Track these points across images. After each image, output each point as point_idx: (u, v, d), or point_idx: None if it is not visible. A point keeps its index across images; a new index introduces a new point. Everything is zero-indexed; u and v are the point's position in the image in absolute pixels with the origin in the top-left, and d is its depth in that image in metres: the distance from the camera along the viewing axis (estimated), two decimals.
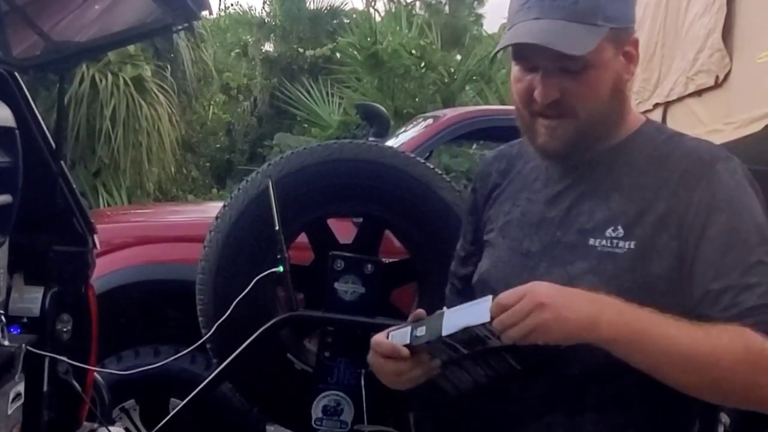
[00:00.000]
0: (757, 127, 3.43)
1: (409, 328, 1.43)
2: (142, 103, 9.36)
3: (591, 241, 1.42)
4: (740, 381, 1.32)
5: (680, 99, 4.38)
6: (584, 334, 1.30)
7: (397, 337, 1.43)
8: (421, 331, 1.40)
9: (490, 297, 1.32)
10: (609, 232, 1.42)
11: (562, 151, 1.46)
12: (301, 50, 14.67)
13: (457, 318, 1.35)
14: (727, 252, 1.36)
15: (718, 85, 3.88)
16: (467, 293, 1.62)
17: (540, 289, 1.31)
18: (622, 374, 1.37)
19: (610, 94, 1.43)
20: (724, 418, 3.97)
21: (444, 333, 1.35)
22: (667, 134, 1.51)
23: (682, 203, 1.39)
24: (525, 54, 1.42)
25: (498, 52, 1.47)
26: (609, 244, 1.41)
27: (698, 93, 4.11)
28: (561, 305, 1.29)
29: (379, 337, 1.49)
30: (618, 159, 1.47)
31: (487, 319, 1.31)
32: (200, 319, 2.85)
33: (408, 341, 1.42)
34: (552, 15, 1.38)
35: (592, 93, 1.41)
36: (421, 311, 1.50)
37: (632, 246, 1.40)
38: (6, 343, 2.14)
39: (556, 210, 1.49)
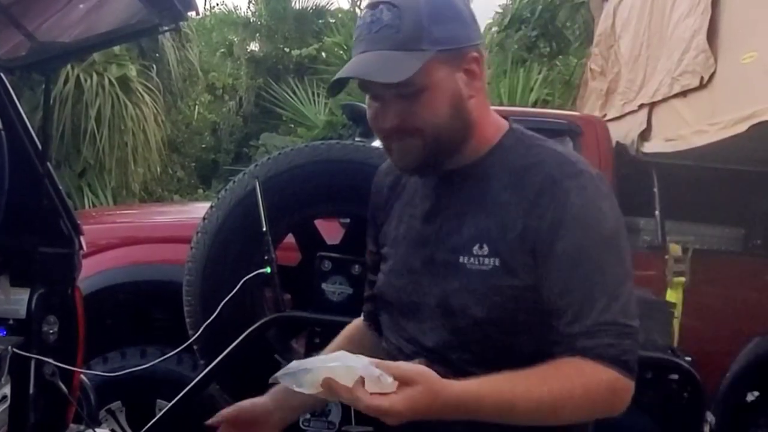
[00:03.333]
0: (741, 128, 3.45)
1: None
2: (128, 103, 9.32)
3: (461, 259, 1.48)
4: (583, 414, 1.43)
5: (665, 99, 4.40)
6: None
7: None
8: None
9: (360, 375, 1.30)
10: (476, 249, 1.47)
11: (413, 166, 1.52)
12: (286, 50, 14.65)
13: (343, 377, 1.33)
14: (572, 269, 1.42)
15: (703, 85, 3.90)
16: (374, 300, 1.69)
17: (399, 411, 1.31)
18: None
19: (451, 112, 1.48)
20: (710, 417, 3.99)
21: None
22: (528, 144, 1.55)
23: (536, 221, 1.44)
24: (364, 85, 1.49)
25: (333, 85, 1.54)
26: (477, 262, 1.47)
27: (683, 94, 4.14)
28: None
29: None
30: (481, 174, 1.53)
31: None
32: (187, 320, 2.84)
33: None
34: (376, 46, 1.45)
35: (430, 113, 1.47)
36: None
37: (497, 263, 1.46)
38: None
39: (431, 227, 1.55)
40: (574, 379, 1.38)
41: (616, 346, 1.40)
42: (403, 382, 1.31)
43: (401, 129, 1.48)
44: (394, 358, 1.52)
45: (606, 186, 1.50)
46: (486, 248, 1.46)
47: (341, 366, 1.32)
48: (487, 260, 1.46)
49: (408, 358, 1.50)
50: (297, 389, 1.35)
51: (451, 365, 1.45)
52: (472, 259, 1.47)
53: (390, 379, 1.30)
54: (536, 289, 1.45)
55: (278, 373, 1.37)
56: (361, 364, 1.31)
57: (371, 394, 1.29)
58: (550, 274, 1.43)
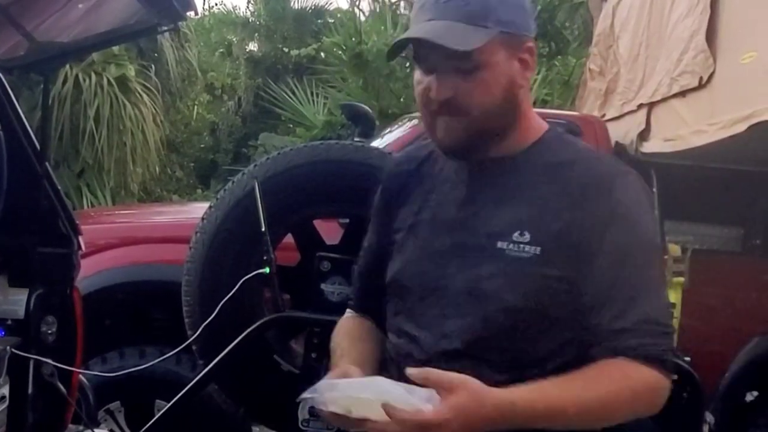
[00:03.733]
0: (740, 128, 3.45)
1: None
2: (126, 103, 9.31)
3: (499, 244, 1.48)
4: (628, 416, 1.44)
5: (664, 99, 4.40)
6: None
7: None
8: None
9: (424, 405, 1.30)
10: (516, 236, 1.48)
11: (458, 147, 1.52)
12: (285, 50, 14.63)
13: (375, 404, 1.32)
14: (619, 265, 1.45)
15: (702, 85, 3.90)
16: (376, 294, 1.66)
17: (451, 424, 1.32)
18: None
19: (503, 96, 1.50)
20: (709, 417, 3.99)
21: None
22: (568, 143, 1.59)
23: (582, 215, 1.46)
24: (421, 55, 1.50)
25: (393, 49, 1.57)
26: (516, 249, 1.47)
27: (682, 94, 4.14)
28: None
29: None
30: (522, 166, 1.54)
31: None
32: (186, 320, 2.84)
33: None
34: (443, 16, 1.47)
35: (483, 92, 1.48)
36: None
37: (537, 251, 1.46)
38: None
39: (464, 212, 1.54)
40: (621, 383, 1.41)
41: (659, 346, 1.43)
42: (447, 389, 1.31)
43: (452, 104, 1.49)
44: (401, 351, 1.52)
45: (647, 188, 1.54)
46: (527, 235, 1.47)
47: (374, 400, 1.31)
48: (527, 247, 1.46)
49: (419, 347, 1.50)
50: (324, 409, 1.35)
51: (467, 353, 1.45)
52: (511, 245, 1.47)
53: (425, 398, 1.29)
54: (572, 282, 1.45)
55: (306, 394, 1.38)
56: (397, 391, 1.30)
57: (415, 411, 1.29)
58: (597, 269, 1.45)
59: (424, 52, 1.49)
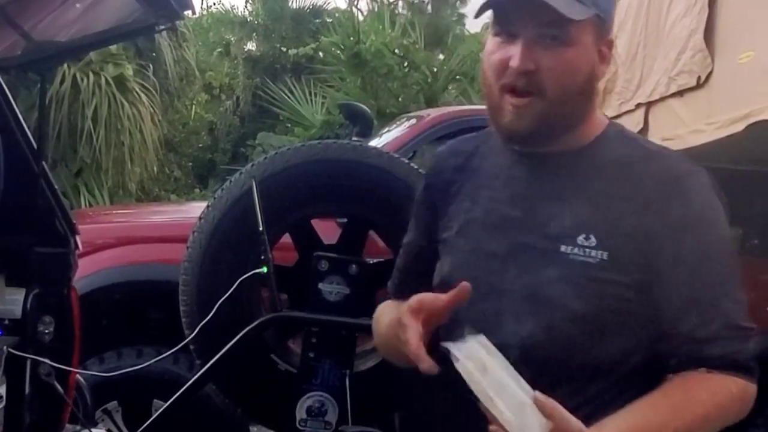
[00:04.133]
0: (738, 128, 3.45)
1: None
2: (124, 102, 9.32)
3: (562, 248, 1.39)
4: (719, 428, 1.38)
5: (662, 99, 4.40)
6: None
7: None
8: (462, 359, 1.31)
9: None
10: (581, 239, 1.39)
11: (525, 133, 1.42)
12: (283, 49, 14.63)
13: (500, 389, 1.26)
14: (698, 271, 1.38)
15: (699, 85, 3.89)
16: (415, 291, 1.54)
17: None
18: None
19: (583, 81, 1.41)
20: None
21: (474, 387, 1.28)
22: (631, 139, 1.50)
23: (654, 219, 1.38)
24: (510, 18, 1.39)
25: (483, 8, 1.43)
26: (582, 253, 1.39)
27: (680, 93, 4.13)
28: None
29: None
30: (583, 162, 1.45)
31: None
32: (183, 320, 2.84)
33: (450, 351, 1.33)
34: None
35: (567, 72, 1.39)
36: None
37: (605, 257, 1.38)
38: None
39: (521, 211, 1.45)
40: (707, 402, 1.34)
41: (743, 352, 1.37)
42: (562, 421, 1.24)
43: (529, 81, 1.38)
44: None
45: (714, 184, 1.45)
46: (593, 239, 1.38)
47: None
48: (593, 252, 1.38)
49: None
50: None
51: (526, 363, 1.35)
52: (576, 249, 1.38)
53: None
54: (641, 290, 1.37)
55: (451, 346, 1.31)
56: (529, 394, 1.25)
57: None
58: (675, 277, 1.37)
59: (512, 14, 1.38)
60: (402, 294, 1.62)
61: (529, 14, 1.36)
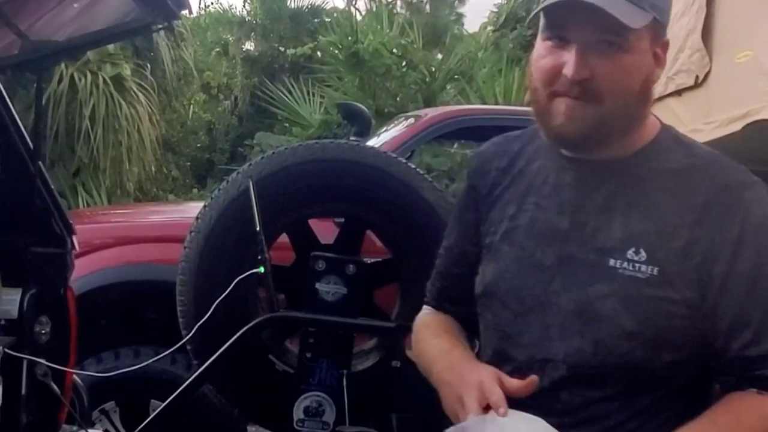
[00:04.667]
0: (736, 127, 3.45)
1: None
2: (122, 102, 9.31)
3: (611, 263, 1.35)
4: None
5: (660, 98, 4.39)
6: None
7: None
8: None
9: None
10: (630, 254, 1.34)
11: (578, 136, 1.35)
12: (281, 49, 14.64)
13: None
14: (754, 288, 1.33)
15: (698, 84, 3.89)
16: (456, 296, 1.56)
17: None
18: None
19: (640, 87, 1.36)
20: None
21: None
22: (685, 144, 1.44)
23: (708, 233, 1.33)
24: (564, 22, 1.33)
25: (541, 9, 1.37)
26: (631, 268, 1.34)
27: (678, 93, 4.13)
28: None
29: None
30: (636, 170, 1.39)
31: None
32: (181, 320, 2.83)
33: None
34: None
35: (624, 79, 1.33)
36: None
37: (655, 272, 1.33)
38: None
39: (569, 221, 1.40)
40: (755, 427, 1.30)
41: None
42: None
43: (585, 87, 1.32)
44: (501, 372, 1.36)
45: None
46: (643, 254, 1.34)
47: None
48: (643, 267, 1.33)
49: (518, 370, 1.36)
50: None
51: (574, 379, 1.33)
52: (625, 264, 1.34)
53: None
54: (693, 306, 1.33)
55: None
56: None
57: None
58: (729, 295, 1.33)
59: (567, 19, 1.32)
60: (443, 299, 1.61)
61: (586, 19, 1.30)
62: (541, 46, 1.36)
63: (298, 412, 2.72)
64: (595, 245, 1.37)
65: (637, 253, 1.34)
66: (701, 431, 1.30)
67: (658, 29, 1.37)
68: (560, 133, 1.38)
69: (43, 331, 2.40)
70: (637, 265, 1.34)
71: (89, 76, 9.04)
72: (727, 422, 1.30)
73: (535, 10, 1.38)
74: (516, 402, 1.29)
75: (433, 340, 1.53)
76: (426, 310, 1.65)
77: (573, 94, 1.33)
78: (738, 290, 1.32)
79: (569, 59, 1.32)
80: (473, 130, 4.47)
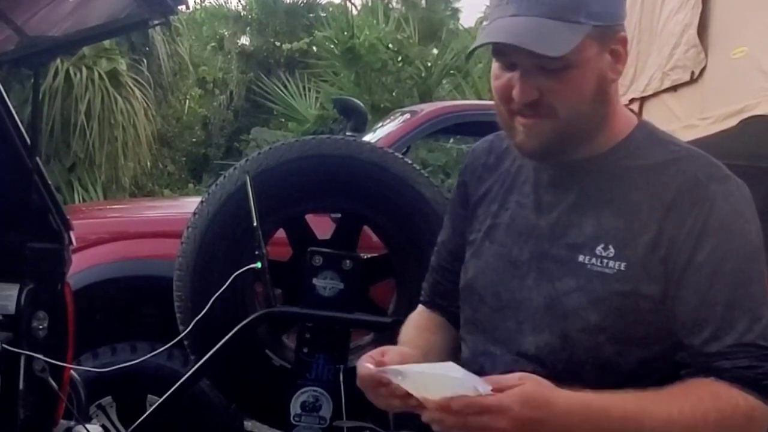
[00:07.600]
0: (731, 123, 3.45)
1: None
2: (118, 97, 9.30)
3: (580, 258, 1.36)
4: None
5: (656, 94, 4.40)
6: None
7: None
8: (401, 380, 1.29)
9: (476, 386, 1.22)
10: (599, 250, 1.35)
11: (539, 151, 1.38)
12: (277, 44, 14.63)
13: (437, 386, 1.25)
14: (713, 281, 1.32)
15: (693, 80, 3.90)
16: (447, 291, 1.58)
17: (512, 411, 1.22)
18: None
19: (594, 95, 1.35)
20: None
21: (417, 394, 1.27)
22: (660, 140, 1.43)
23: (674, 226, 1.33)
24: (503, 51, 1.34)
25: (474, 49, 1.42)
26: (599, 263, 1.35)
27: (674, 88, 4.14)
28: None
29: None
30: (608, 168, 1.39)
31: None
32: (178, 315, 2.84)
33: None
34: (531, 12, 1.30)
35: (573, 93, 1.33)
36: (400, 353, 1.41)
37: (622, 267, 1.33)
38: None
39: (545, 219, 1.42)
40: (708, 402, 1.27)
41: (756, 369, 1.29)
42: (514, 381, 1.22)
43: (537, 106, 1.34)
44: (473, 367, 1.36)
45: (750, 195, 1.37)
46: (612, 250, 1.34)
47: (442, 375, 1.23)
48: (611, 263, 1.34)
49: (493, 364, 1.39)
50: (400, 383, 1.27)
51: (552, 374, 1.31)
52: (594, 260, 1.35)
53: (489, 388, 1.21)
54: (660, 301, 1.33)
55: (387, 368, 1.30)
56: (469, 378, 1.22)
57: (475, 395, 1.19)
58: (688, 286, 1.32)
59: (505, 48, 1.33)
60: (435, 294, 1.63)
61: (520, 50, 1.31)
62: (495, 66, 1.38)
63: (295, 407, 2.73)
64: (566, 242, 1.39)
65: (605, 248, 1.35)
66: (649, 393, 1.29)
67: (606, 31, 1.35)
68: (523, 149, 1.40)
69: (40, 327, 2.40)
70: (605, 260, 1.35)
71: (85, 71, 9.03)
72: (679, 392, 1.29)
73: (472, 47, 1.43)
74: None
75: (402, 337, 1.58)
76: (419, 308, 1.67)
77: (527, 113, 1.35)
78: (698, 282, 1.32)
79: (516, 83, 1.34)
80: (469, 126, 4.47)
